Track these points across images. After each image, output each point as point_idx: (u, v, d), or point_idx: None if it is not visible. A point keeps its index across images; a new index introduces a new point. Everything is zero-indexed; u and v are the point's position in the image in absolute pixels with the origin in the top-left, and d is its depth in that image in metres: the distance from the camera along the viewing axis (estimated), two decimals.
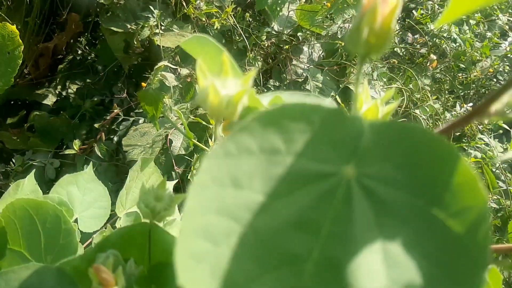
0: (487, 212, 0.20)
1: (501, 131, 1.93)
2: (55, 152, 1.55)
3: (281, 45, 1.65)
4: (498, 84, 2.08)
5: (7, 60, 0.88)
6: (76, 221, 0.58)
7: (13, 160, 1.49)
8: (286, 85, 1.61)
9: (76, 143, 1.40)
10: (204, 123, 1.15)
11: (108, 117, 1.52)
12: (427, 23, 1.92)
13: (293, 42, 1.66)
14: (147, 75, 1.22)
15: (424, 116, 1.65)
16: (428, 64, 1.87)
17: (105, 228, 0.57)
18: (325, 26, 1.64)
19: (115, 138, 1.52)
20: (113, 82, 1.72)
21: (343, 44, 1.63)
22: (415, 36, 1.99)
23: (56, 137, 1.59)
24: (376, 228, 0.21)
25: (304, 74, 1.64)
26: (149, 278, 0.35)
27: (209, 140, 0.99)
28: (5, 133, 1.56)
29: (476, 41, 2.00)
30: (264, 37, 1.60)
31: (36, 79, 1.76)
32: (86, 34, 1.85)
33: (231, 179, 0.21)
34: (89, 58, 1.86)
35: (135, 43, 1.45)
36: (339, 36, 1.67)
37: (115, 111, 1.45)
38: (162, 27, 1.42)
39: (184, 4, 1.48)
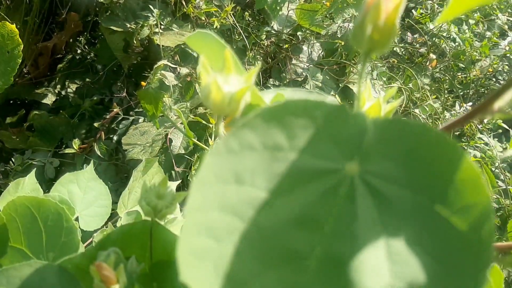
0: (491, 209, 0.20)
1: (500, 131, 1.94)
2: (55, 151, 1.55)
3: (281, 45, 1.65)
4: (497, 84, 2.09)
5: (6, 59, 0.88)
6: (77, 219, 0.58)
7: (13, 160, 1.49)
8: (286, 84, 1.61)
9: (76, 142, 1.40)
10: (204, 122, 1.15)
11: (107, 116, 1.52)
12: (427, 23, 1.93)
13: (293, 42, 1.66)
14: (146, 74, 1.22)
15: (423, 115, 1.65)
16: (427, 64, 1.87)
17: (106, 227, 0.57)
18: (324, 26, 1.63)
19: (115, 137, 1.52)
20: (113, 81, 1.72)
21: (342, 44, 1.63)
22: (415, 36, 1.99)
23: (56, 136, 1.59)
24: (380, 225, 0.21)
25: (303, 73, 1.64)
26: (151, 275, 0.35)
27: (209, 139, 0.99)
28: (5, 133, 1.56)
29: (476, 40, 2.00)
30: (263, 37, 1.59)
31: (36, 79, 1.76)
32: (85, 33, 1.85)
33: (233, 175, 0.21)
34: (88, 57, 1.86)
35: (135, 42, 1.45)
36: (339, 36, 1.66)
37: (115, 110, 1.45)
38: (162, 26, 1.42)
39: (184, 3, 1.48)
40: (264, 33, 1.60)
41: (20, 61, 0.92)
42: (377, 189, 0.21)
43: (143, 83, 1.15)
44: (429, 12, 1.95)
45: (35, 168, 0.69)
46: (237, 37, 1.52)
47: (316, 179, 0.21)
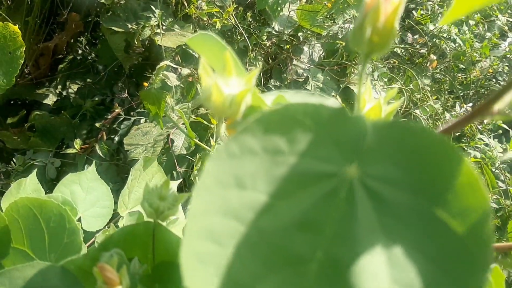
0: (490, 213, 0.20)
1: (500, 131, 1.94)
2: (56, 151, 1.55)
3: (282, 45, 1.65)
4: (497, 85, 2.09)
5: (9, 60, 0.88)
6: (79, 220, 0.58)
7: (14, 160, 1.49)
8: (287, 85, 1.61)
9: (77, 143, 1.40)
10: (205, 122, 1.15)
11: (109, 117, 1.52)
12: (427, 24, 1.93)
13: (294, 42, 1.66)
14: (147, 75, 1.22)
15: (424, 116, 1.65)
16: (428, 64, 1.87)
17: (108, 227, 0.58)
18: (325, 26, 1.64)
19: (116, 138, 1.52)
20: (114, 81, 1.72)
21: (343, 44, 1.63)
22: (415, 37, 1.99)
23: (57, 136, 1.60)
24: (379, 228, 0.21)
25: (304, 74, 1.64)
26: (153, 277, 0.36)
27: (211, 139, 0.99)
28: (6, 133, 1.56)
29: (476, 41, 2.00)
30: (264, 37, 1.59)
31: (37, 79, 1.76)
32: (86, 33, 1.85)
33: (234, 180, 0.21)
34: (89, 57, 1.86)
35: (136, 43, 1.45)
36: (340, 36, 1.67)
37: (116, 110, 1.45)
38: (163, 27, 1.42)
39: (185, 4, 1.48)
40: (265, 34, 1.60)
41: (22, 62, 0.92)
42: (376, 192, 0.21)
43: (145, 84, 1.15)
44: (429, 13, 1.95)
45: (36, 169, 0.69)
46: (238, 37, 1.52)
47: (316, 182, 0.22)
